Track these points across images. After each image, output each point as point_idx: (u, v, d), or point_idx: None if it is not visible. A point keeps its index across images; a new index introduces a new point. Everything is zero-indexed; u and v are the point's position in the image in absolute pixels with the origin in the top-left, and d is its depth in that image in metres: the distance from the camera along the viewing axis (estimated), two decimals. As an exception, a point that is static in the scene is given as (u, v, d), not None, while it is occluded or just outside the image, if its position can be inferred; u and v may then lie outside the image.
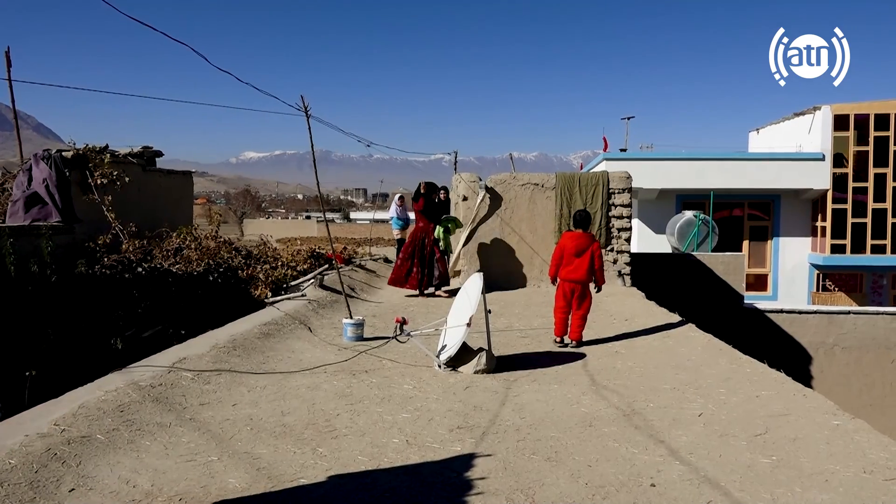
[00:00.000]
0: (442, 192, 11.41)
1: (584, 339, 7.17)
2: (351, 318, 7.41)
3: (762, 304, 15.38)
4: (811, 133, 20.27)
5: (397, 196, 16.10)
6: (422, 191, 11.19)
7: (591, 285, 7.25)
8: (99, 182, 10.00)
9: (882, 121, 19.65)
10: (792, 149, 21.01)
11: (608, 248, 11.75)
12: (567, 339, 7.15)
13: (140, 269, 8.27)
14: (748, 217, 20.81)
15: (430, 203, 11.05)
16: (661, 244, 18.88)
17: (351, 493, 3.34)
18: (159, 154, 12.26)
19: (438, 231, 10.52)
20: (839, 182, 19.82)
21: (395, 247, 16.47)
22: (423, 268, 10.70)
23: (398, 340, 7.02)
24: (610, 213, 11.79)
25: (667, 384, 5.44)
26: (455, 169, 39.78)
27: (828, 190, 19.70)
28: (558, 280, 7.23)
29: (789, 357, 13.52)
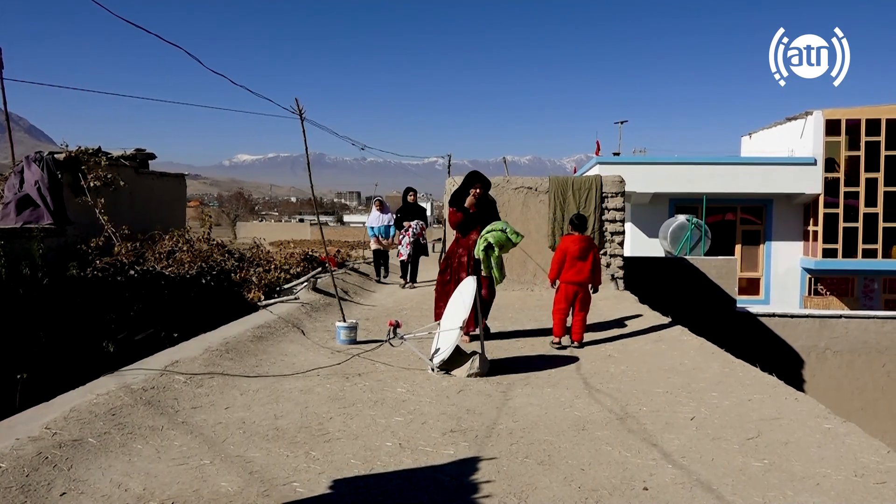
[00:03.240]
0: (475, 189, 7.46)
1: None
2: (344, 321, 7.40)
3: (754, 308, 15.45)
4: (803, 138, 20.39)
5: (375, 199, 13.82)
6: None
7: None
8: (91, 184, 9.97)
9: (873, 126, 19.79)
10: (784, 153, 21.12)
11: (602, 252, 11.78)
12: (566, 341, 7.20)
13: (132, 272, 8.24)
14: (740, 221, 20.91)
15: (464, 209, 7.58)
16: (654, 248, 18.94)
17: (344, 497, 3.33)
18: (152, 156, 12.24)
19: (478, 249, 7.04)
20: (831, 186, 19.94)
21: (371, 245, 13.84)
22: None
23: (391, 344, 7.01)
24: (603, 217, 11.82)
25: (659, 388, 5.45)
26: (449, 172, 39.82)
27: (819, 194, 19.81)
28: (559, 283, 7.30)
29: (781, 361, 13.58)
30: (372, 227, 13.10)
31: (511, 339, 7.59)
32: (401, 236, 12.28)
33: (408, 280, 12.44)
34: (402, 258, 12.33)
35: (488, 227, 7.09)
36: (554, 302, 7.38)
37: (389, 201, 13.91)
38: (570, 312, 7.33)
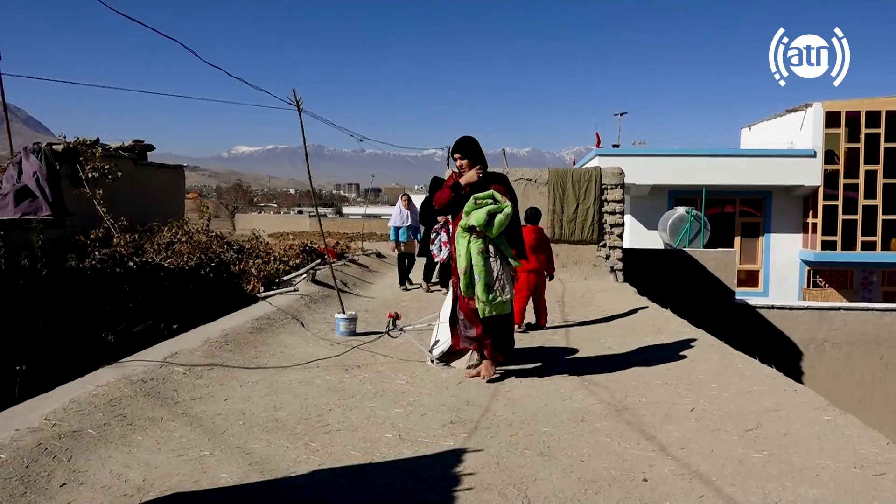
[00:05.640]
0: (459, 161, 6.00)
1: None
2: (343, 312, 7.40)
3: (753, 300, 15.46)
4: (803, 130, 20.37)
5: (403, 195, 11.71)
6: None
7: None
8: (90, 176, 9.94)
9: (873, 118, 19.77)
10: (783, 145, 21.10)
11: (601, 244, 11.77)
12: (524, 326, 7.69)
13: (131, 264, 8.23)
14: (740, 213, 20.91)
15: None
16: (653, 240, 18.95)
17: (344, 488, 3.33)
18: (151, 148, 12.20)
19: (467, 251, 5.14)
20: (830, 179, 19.93)
21: (393, 248, 11.72)
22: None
23: (391, 335, 7.02)
24: (602, 209, 11.80)
25: (659, 379, 5.45)
26: (448, 164, 39.76)
27: (819, 186, 19.81)
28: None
29: (780, 353, 13.60)
30: (396, 228, 11.21)
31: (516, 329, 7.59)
32: (434, 234, 10.25)
33: (442, 283, 10.70)
34: (437, 259, 10.34)
35: (466, 207, 5.13)
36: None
37: (389, 193, 12.27)
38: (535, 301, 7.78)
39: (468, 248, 5.05)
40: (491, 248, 5.06)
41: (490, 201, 5.05)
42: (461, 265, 5.10)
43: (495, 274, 5.04)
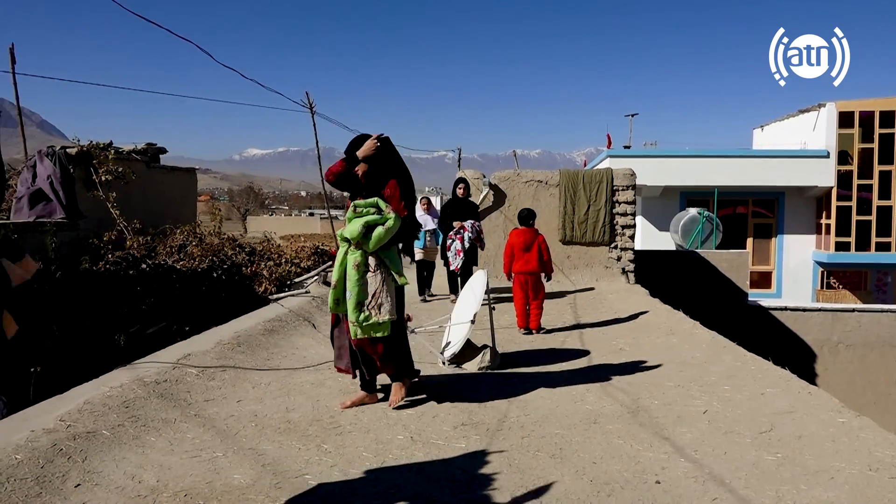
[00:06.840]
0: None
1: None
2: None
3: (766, 302, 15.35)
4: (816, 130, 20.22)
5: (422, 198, 10.55)
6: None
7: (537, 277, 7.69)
8: (103, 179, 10.03)
9: (887, 118, 19.60)
10: (796, 146, 20.96)
11: (612, 246, 11.74)
12: (526, 329, 7.58)
13: (144, 266, 8.29)
14: (752, 214, 20.77)
15: None
16: (664, 241, 18.86)
17: (356, 490, 3.34)
18: (163, 151, 12.29)
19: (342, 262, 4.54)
20: (844, 179, 19.77)
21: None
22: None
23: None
24: (614, 211, 11.76)
25: (671, 381, 5.43)
26: (459, 166, 39.77)
27: (832, 187, 19.65)
28: (513, 275, 7.72)
29: (794, 354, 13.49)
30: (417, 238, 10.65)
31: (521, 333, 7.58)
32: (450, 240, 9.33)
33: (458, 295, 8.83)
34: (451, 268, 9.38)
35: (348, 215, 4.61)
36: (513, 293, 7.80)
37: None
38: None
39: (343, 260, 4.47)
40: (371, 261, 4.44)
41: (372, 210, 4.45)
42: (333, 277, 4.53)
43: (371, 291, 4.39)
